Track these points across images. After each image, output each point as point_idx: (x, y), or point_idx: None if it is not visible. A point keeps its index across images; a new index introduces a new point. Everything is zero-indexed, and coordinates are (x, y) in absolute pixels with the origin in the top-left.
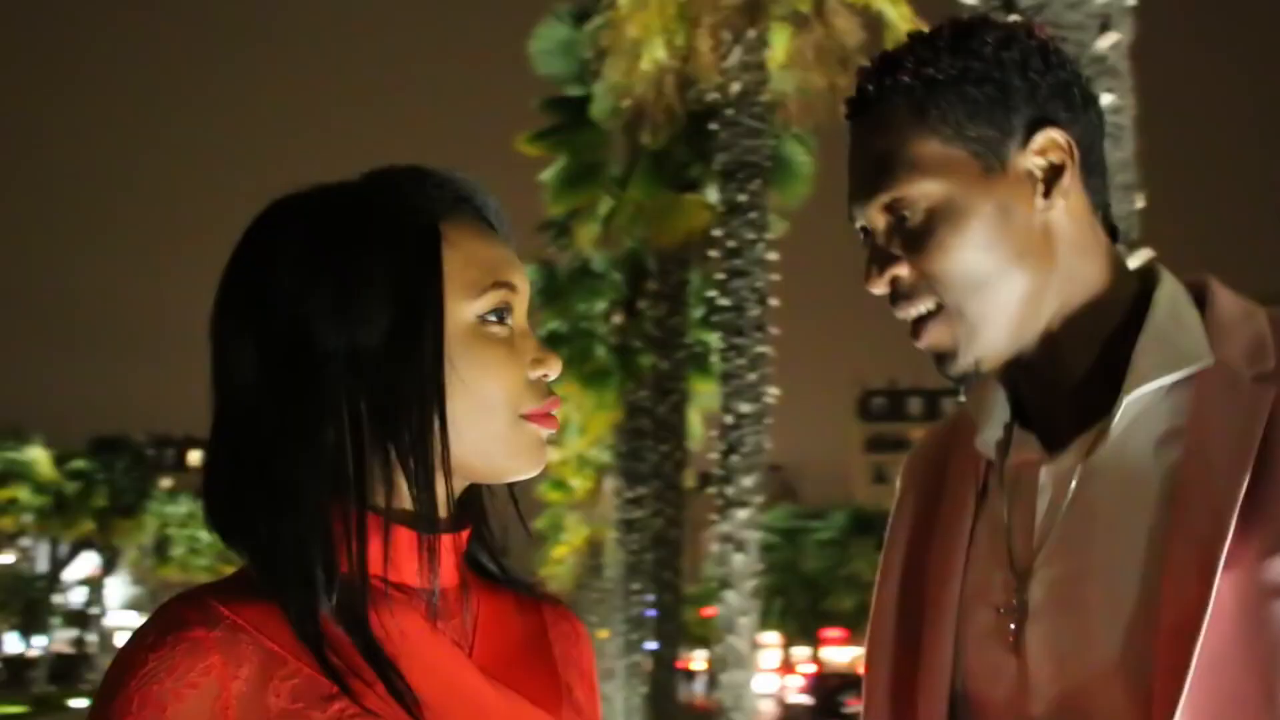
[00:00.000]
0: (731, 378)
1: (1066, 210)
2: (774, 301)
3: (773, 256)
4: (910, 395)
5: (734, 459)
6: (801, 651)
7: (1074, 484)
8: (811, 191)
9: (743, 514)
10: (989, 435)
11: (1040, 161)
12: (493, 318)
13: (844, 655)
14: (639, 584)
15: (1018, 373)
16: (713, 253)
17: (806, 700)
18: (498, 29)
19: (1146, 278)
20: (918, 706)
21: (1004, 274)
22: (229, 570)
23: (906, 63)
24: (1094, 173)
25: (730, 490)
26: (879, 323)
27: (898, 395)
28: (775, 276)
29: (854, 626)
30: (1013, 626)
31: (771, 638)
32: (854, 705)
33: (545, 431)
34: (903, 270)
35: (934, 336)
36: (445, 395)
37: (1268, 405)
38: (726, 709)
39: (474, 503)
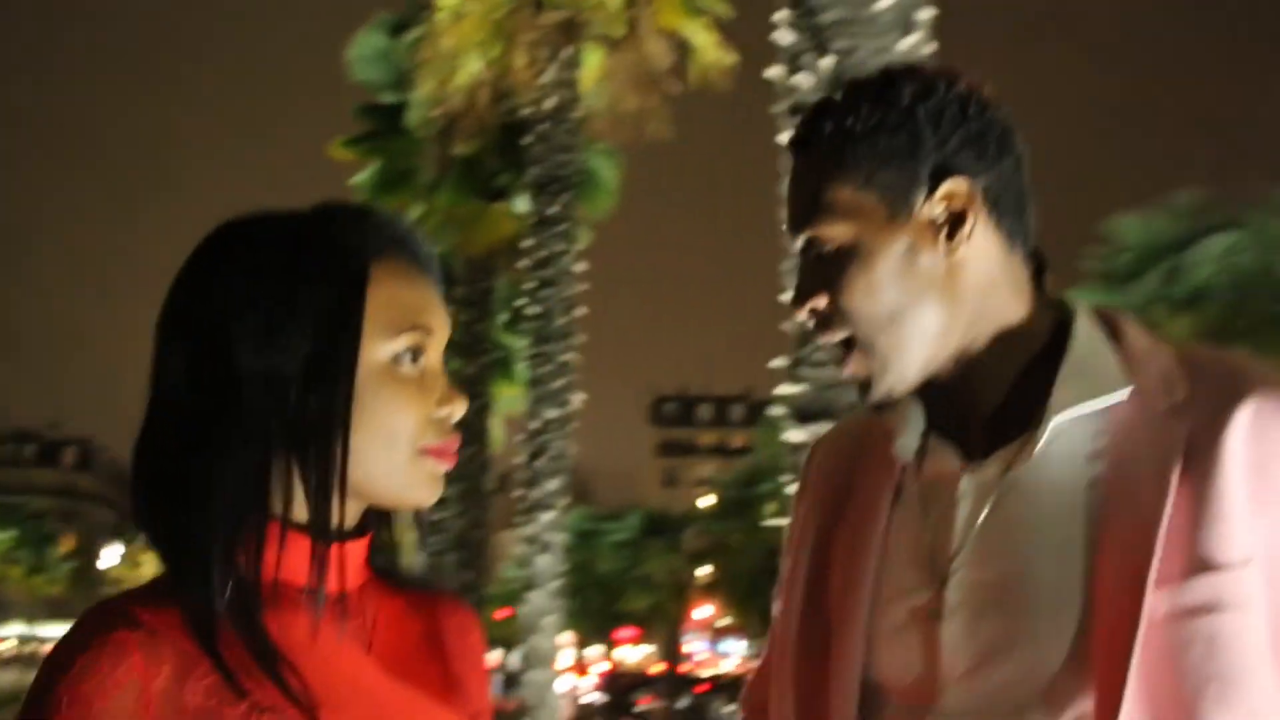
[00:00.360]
0: (539, 384)
1: (974, 252)
2: (581, 311)
3: (580, 267)
4: (700, 401)
5: (539, 463)
6: (595, 651)
7: (996, 495)
8: (615, 204)
9: (547, 517)
10: (907, 443)
11: (942, 209)
12: (406, 357)
13: (636, 654)
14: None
15: (934, 392)
16: (523, 262)
17: (600, 699)
18: (315, 33)
19: (1062, 309)
20: (828, 698)
21: (909, 311)
22: None
23: (832, 112)
24: (1009, 215)
25: (535, 493)
26: (671, 330)
27: (688, 401)
28: (583, 286)
29: (646, 626)
30: (928, 625)
31: (565, 638)
32: (645, 704)
33: (443, 466)
34: (821, 302)
35: (853, 367)
36: (350, 425)
37: (1184, 435)
38: (531, 708)
39: (377, 512)
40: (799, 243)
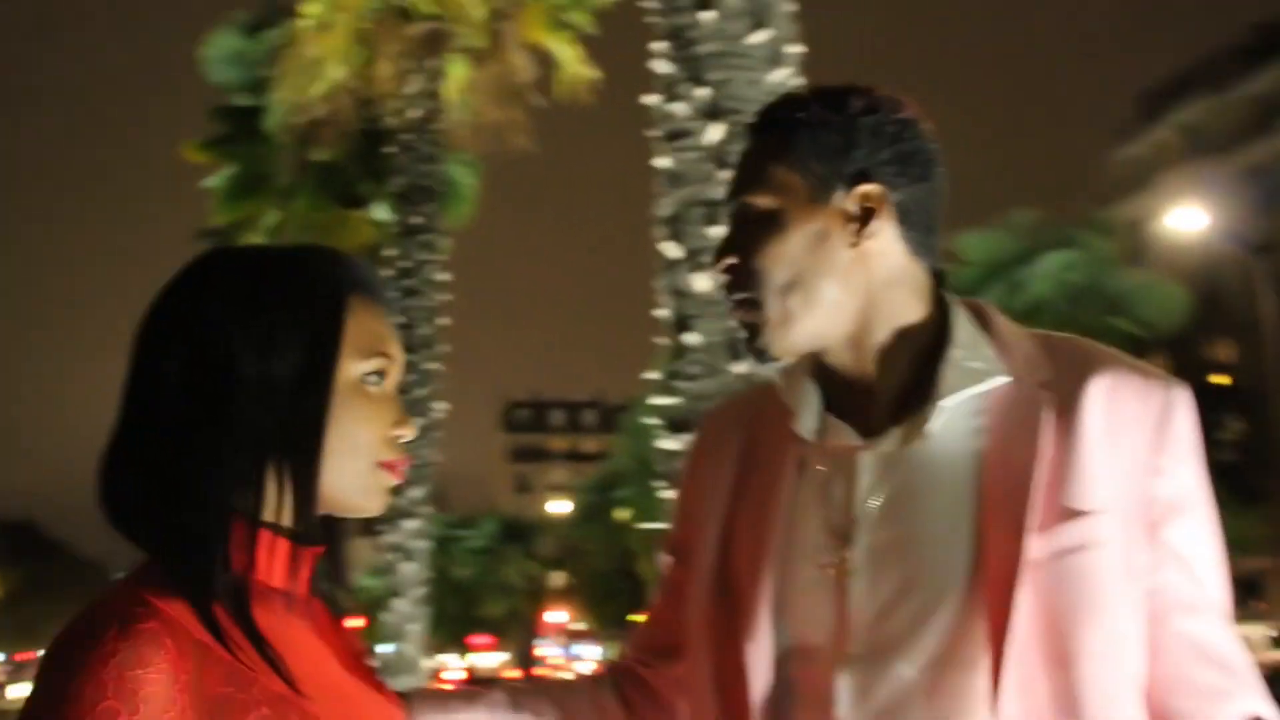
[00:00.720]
0: (402, 392)
1: (878, 250)
2: (444, 320)
3: (443, 277)
4: (553, 407)
5: None
6: (451, 658)
7: (895, 467)
8: (473, 213)
9: (411, 524)
10: (808, 422)
11: (856, 205)
12: (373, 378)
13: (492, 660)
14: None
15: (832, 375)
16: (385, 271)
17: None
18: (170, 31)
19: (941, 305)
20: (744, 653)
21: (807, 284)
22: None
23: (789, 105)
24: (918, 229)
25: (399, 501)
26: (522, 337)
27: (541, 407)
28: (446, 296)
29: (502, 633)
30: (837, 581)
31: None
32: None
33: (393, 480)
34: (735, 260)
35: (752, 320)
36: (327, 432)
37: (1049, 407)
38: None
39: (330, 529)
40: (734, 209)
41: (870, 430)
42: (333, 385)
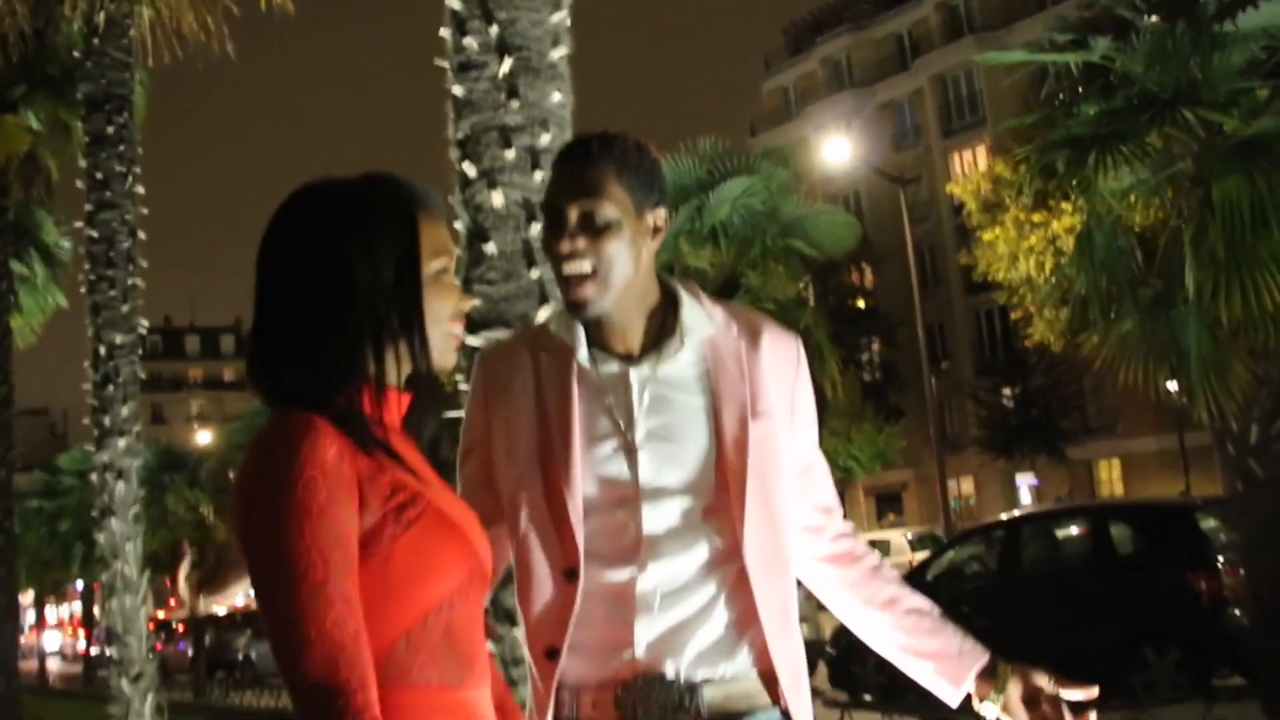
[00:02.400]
0: (104, 309)
1: (651, 249)
2: (142, 235)
3: (140, 190)
4: (188, 334)
5: (110, 389)
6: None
7: (652, 381)
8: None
9: (122, 442)
10: (583, 354)
11: (653, 220)
12: (443, 271)
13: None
14: None
15: (597, 324)
16: (79, 184)
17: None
18: None
19: (666, 285)
20: (564, 503)
21: (625, 268)
22: None
23: (615, 143)
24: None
25: (107, 419)
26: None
27: (174, 334)
28: (143, 210)
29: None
30: (626, 454)
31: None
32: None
33: (459, 340)
34: (581, 244)
35: (584, 291)
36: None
37: (741, 348)
38: (120, 634)
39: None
40: (572, 209)
41: (625, 359)
42: (420, 276)
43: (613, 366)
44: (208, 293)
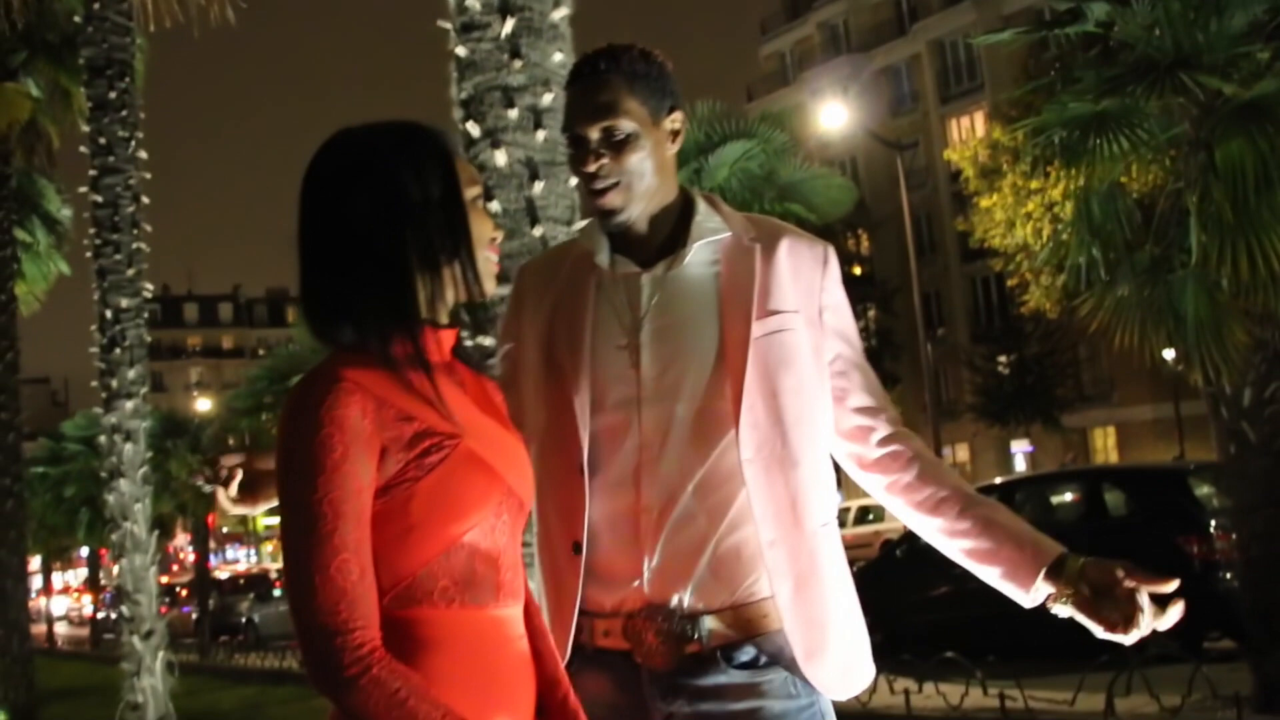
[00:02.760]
0: (109, 273)
1: (673, 157)
2: (146, 200)
3: (143, 155)
4: (186, 301)
5: (117, 352)
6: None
7: (663, 283)
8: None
9: (130, 405)
10: (603, 257)
11: (671, 125)
12: (477, 198)
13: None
14: None
15: (626, 230)
16: (83, 148)
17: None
18: None
19: (685, 192)
20: (572, 404)
21: (649, 176)
22: None
23: (622, 56)
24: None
25: (114, 383)
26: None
27: (172, 302)
28: (145, 175)
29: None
30: (632, 350)
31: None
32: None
33: (496, 264)
34: (605, 162)
35: (611, 199)
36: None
37: (756, 252)
38: (129, 592)
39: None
40: (591, 130)
41: (644, 264)
42: (464, 203)
43: (630, 269)
44: (205, 261)
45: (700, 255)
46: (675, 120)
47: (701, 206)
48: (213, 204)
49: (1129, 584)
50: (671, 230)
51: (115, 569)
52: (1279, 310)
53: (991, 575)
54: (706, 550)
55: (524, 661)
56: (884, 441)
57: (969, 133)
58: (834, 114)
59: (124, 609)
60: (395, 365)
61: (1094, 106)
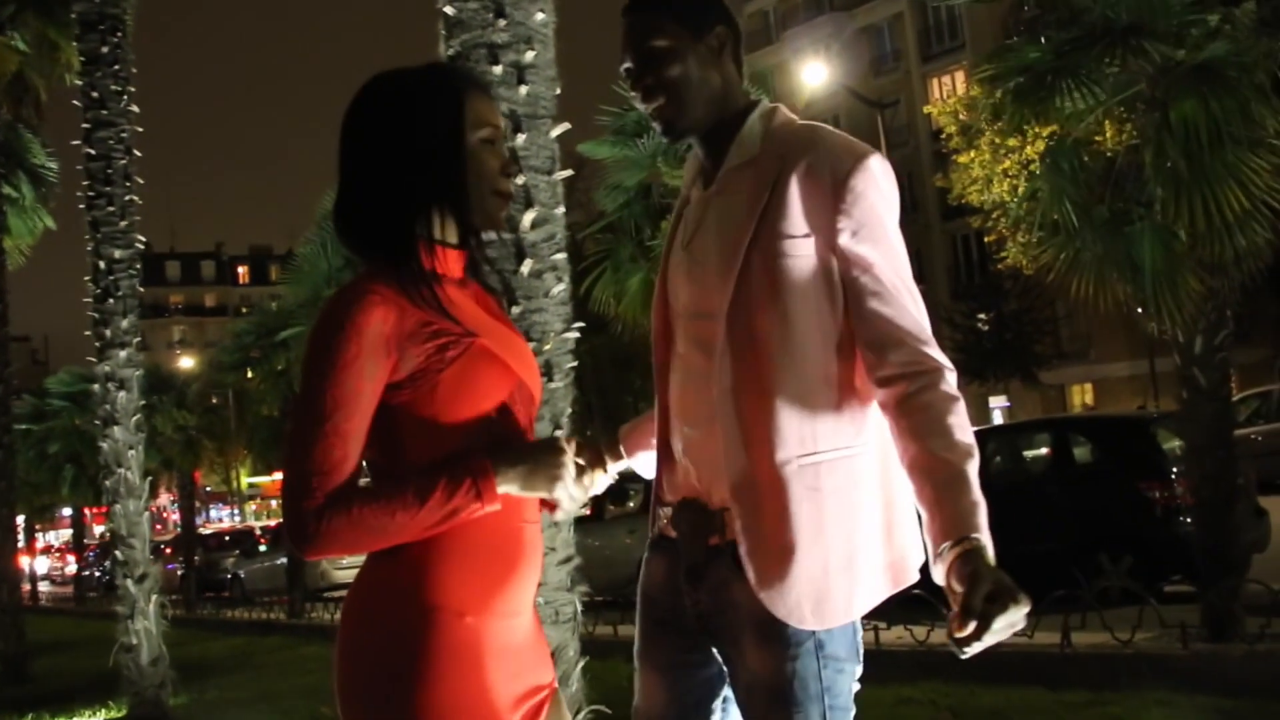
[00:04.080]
0: (102, 225)
1: (726, 67)
2: (139, 153)
3: (135, 109)
4: (169, 259)
5: (110, 302)
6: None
7: (703, 203)
8: None
9: (123, 354)
10: (690, 179)
11: (715, 40)
12: (488, 140)
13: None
14: None
15: (693, 141)
16: (76, 101)
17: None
18: None
19: (754, 102)
20: (659, 318)
21: (697, 89)
22: None
23: None
24: (736, 54)
25: (107, 332)
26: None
27: (154, 260)
28: (138, 128)
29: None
30: (673, 274)
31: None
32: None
33: (505, 207)
34: (649, 82)
35: (665, 114)
36: (468, 169)
37: (777, 175)
38: (124, 536)
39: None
40: (635, 59)
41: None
42: (464, 142)
43: (700, 191)
44: (187, 219)
45: (732, 172)
46: (721, 35)
47: (749, 123)
48: (195, 160)
49: (956, 608)
50: (728, 144)
51: (109, 513)
52: (1229, 260)
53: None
54: (732, 452)
55: (535, 536)
56: (882, 381)
57: (950, 92)
58: (815, 73)
59: (118, 553)
60: (414, 278)
61: (1052, 59)
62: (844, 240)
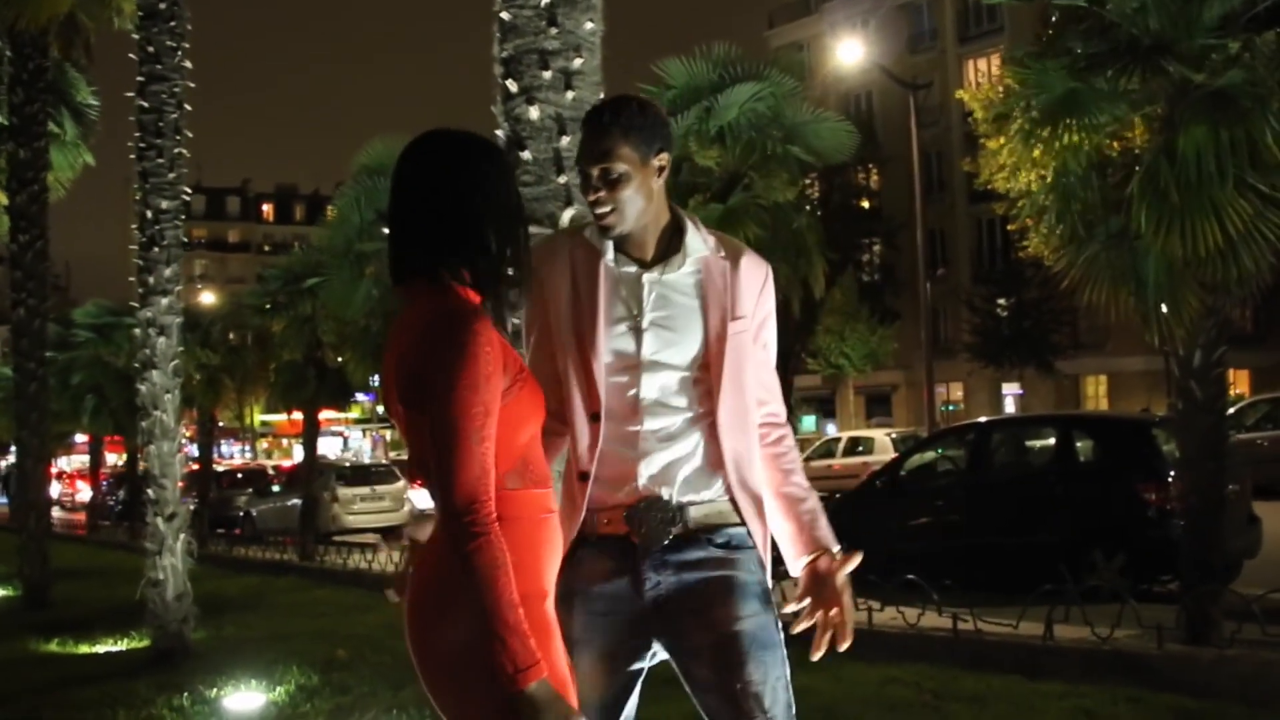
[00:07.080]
0: (151, 176)
1: (660, 186)
2: (189, 107)
3: (188, 64)
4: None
5: (155, 250)
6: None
7: (659, 283)
8: None
9: (165, 301)
10: (610, 257)
11: (658, 163)
12: None
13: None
14: None
15: (624, 238)
16: (133, 55)
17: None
18: None
19: (675, 213)
20: (592, 366)
21: (638, 203)
22: None
23: (622, 111)
24: (670, 174)
25: (151, 279)
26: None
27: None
28: (190, 84)
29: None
30: (635, 333)
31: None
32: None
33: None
34: (602, 194)
35: (608, 221)
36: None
37: (727, 269)
38: (156, 476)
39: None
40: (594, 169)
41: (641, 266)
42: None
43: (630, 269)
44: (213, 154)
45: (688, 264)
46: (662, 159)
47: (690, 227)
48: (223, 94)
49: (811, 597)
50: (662, 241)
51: (144, 454)
52: (1231, 280)
53: (778, 533)
54: (690, 460)
55: (556, 525)
56: (763, 420)
57: (985, 75)
58: (850, 49)
59: (150, 492)
60: (496, 316)
61: (1068, 83)
62: (759, 322)
